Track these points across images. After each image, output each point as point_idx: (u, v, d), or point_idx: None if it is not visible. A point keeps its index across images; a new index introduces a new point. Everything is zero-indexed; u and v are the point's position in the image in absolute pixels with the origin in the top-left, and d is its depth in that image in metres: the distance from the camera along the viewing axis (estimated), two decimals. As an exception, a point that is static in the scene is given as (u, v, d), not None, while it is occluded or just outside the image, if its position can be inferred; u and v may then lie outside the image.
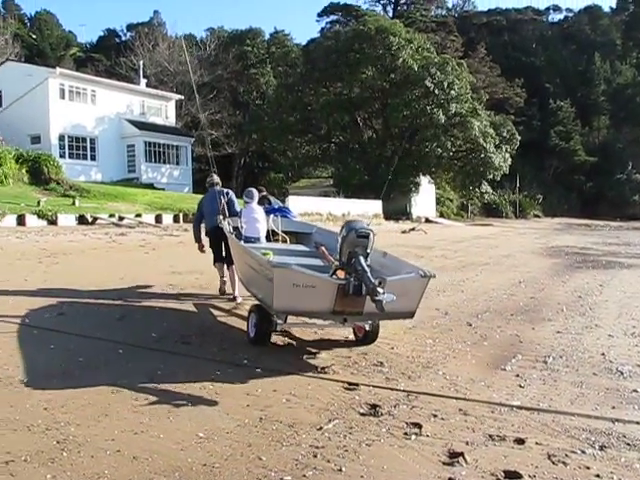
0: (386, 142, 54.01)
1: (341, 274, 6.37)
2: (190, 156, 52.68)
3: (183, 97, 55.45)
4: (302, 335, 7.45)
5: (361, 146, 54.97)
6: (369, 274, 6.00)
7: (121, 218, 26.44)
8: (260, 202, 10.30)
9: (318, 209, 37.31)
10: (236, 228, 9.47)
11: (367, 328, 7.09)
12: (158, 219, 28.15)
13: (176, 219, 28.64)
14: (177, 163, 51.02)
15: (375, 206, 44.90)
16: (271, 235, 9.96)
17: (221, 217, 9.41)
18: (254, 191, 9.89)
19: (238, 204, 10.22)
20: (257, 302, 7.25)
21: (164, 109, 53.10)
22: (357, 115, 54.20)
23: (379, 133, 54.92)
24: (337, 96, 52.45)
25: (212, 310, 8.79)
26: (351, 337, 7.38)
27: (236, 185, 55.19)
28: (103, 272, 12.22)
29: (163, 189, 44.17)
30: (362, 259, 6.20)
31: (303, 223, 11.44)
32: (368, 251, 6.42)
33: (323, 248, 8.65)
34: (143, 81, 53.62)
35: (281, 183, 65.56)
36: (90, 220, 25.02)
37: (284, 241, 9.93)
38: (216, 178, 10.39)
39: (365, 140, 55.21)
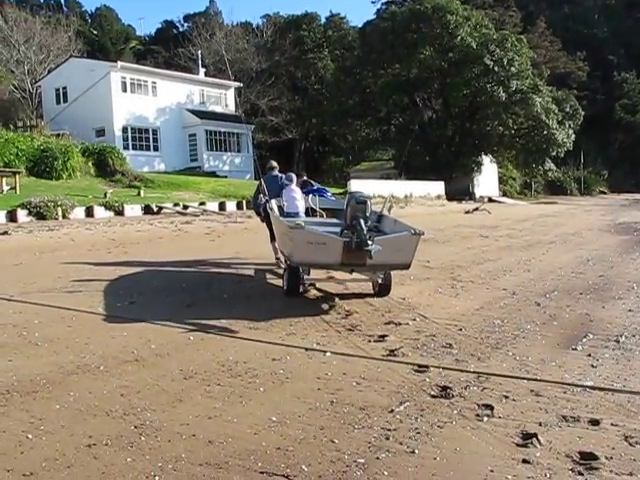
0: (446, 122, 53.32)
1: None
2: (251, 143, 52.80)
3: (242, 84, 55.60)
4: (333, 289, 9.21)
5: (421, 127, 53.93)
6: (364, 232, 7.59)
7: (185, 207, 26.80)
8: (303, 185, 12.27)
9: (380, 191, 36.87)
10: (280, 207, 11.01)
11: (379, 281, 8.64)
12: (222, 207, 28.40)
13: (239, 206, 28.82)
14: (238, 150, 51.28)
15: (438, 187, 44.75)
16: (310, 212, 11.44)
17: (261, 196, 11.22)
18: (293, 175, 11.67)
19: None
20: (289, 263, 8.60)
21: (223, 97, 53.55)
22: (416, 96, 53.56)
23: (439, 113, 54.23)
24: (395, 77, 51.69)
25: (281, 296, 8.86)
26: (370, 290, 8.93)
27: (297, 170, 54.86)
28: (172, 261, 12.46)
29: (225, 177, 44.48)
30: (362, 221, 7.78)
31: (337, 201, 12.42)
32: (367, 214, 8.07)
33: None
34: (202, 70, 54.07)
35: (342, 167, 66.35)
36: (155, 210, 25.48)
37: (321, 216, 11.39)
38: (274, 163, 12.33)
39: (425, 121, 54.37)
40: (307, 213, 11.29)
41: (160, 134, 46.53)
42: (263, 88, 57.38)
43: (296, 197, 11.17)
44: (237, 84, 54.57)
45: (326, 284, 9.42)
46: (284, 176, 11.73)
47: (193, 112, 48.62)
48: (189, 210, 26.35)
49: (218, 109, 52.12)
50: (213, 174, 44.94)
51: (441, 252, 14.23)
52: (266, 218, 11.33)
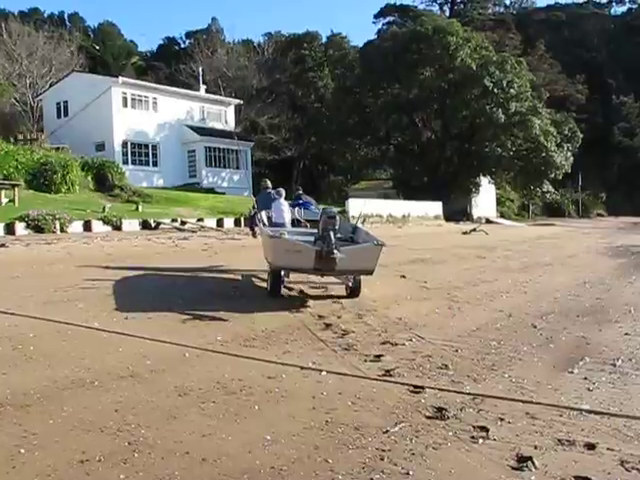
0: (445, 143, 53.64)
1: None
2: (250, 160, 53.29)
3: (242, 102, 55.88)
4: (313, 293, 10.57)
5: (420, 147, 54.62)
6: (333, 242, 9.05)
7: (183, 223, 26.77)
8: (297, 197, 13.74)
9: (378, 211, 37.27)
10: (270, 217, 12.39)
11: (350, 284, 10.15)
12: (220, 223, 28.34)
13: (237, 223, 28.78)
14: (237, 167, 51.48)
15: (435, 207, 44.95)
16: (296, 222, 12.63)
17: (251, 208, 13.26)
18: (282, 190, 12.84)
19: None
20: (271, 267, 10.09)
21: (223, 114, 53.86)
22: (415, 116, 54.19)
23: (438, 134, 54.42)
24: (395, 97, 52.21)
25: (279, 312, 8.87)
26: (342, 293, 10.36)
27: (296, 188, 54.66)
28: (169, 275, 12.45)
29: (224, 193, 44.65)
30: (331, 232, 9.22)
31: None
32: (336, 227, 9.46)
33: None
34: (202, 87, 54.67)
35: (340, 185, 66.62)
36: (153, 225, 25.43)
37: (305, 226, 12.31)
38: (268, 183, 13.97)
39: (424, 141, 55.08)
40: (293, 224, 12.52)
41: (160, 150, 46.88)
42: (263, 106, 58.02)
43: (283, 209, 12.44)
44: (237, 101, 55.17)
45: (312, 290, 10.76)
46: (274, 192, 12.96)
47: (193, 128, 48.89)
48: (187, 226, 26.31)
49: (218, 126, 52.38)
50: (212, 190, 45.22)
51: (438, 272, 14.22)
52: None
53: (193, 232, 24.67)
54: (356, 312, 8.96)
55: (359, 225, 12.63)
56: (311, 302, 9.58)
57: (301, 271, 10.17)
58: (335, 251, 8.87)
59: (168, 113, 47.84)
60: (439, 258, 17.76)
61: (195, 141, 48.30)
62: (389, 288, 11.26)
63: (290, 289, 10.70)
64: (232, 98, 55.35)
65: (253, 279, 12.07)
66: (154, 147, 46.64)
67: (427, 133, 55.41)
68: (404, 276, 13.07)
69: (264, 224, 11.97)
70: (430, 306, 9.71)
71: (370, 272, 9.44)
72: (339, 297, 10.11)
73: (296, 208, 13.09)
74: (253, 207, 13.29)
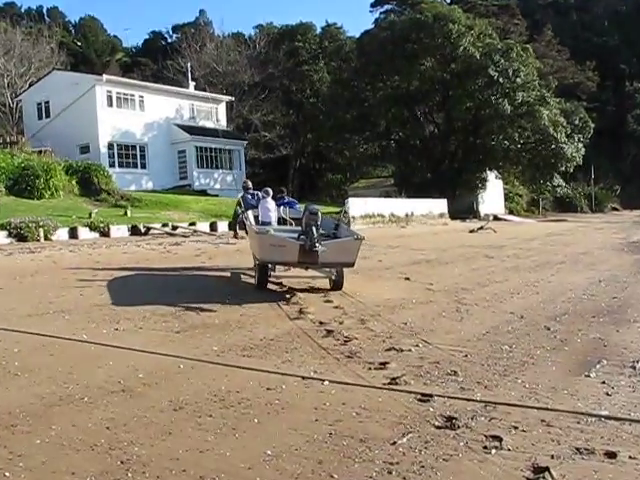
0: (449, 137, 53.56)
1: None
2: (243, 160, 53.16)
3: (234, 98, 55.83)
4: (296, 285, 11.84)
5: (422, 142, 54.60)
6: (315, 236, 10.31)
7: (175, 227, 26.90)
8: (281, 198, 14.53)
9: (380, 210, 37.19)
10: (256, 216, 13.41)
11: (333, 278, 11.32)
12: (213, 227, 28.49)
13: (232, 226, 28.81)
14: (230, 168, 51.44)
15: (440, 205, 44.90)
16: (282, 221, 13.66)
17: (238, 208, 14.26)
18: (269, 190, 13.97)
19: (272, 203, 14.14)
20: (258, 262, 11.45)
21: (214, 112, 53.60)
22: (417, 109, 54.06)
23: (441, 127, 54.41)
24: (395, 90, 51.97)
25: (276, 318, 8.87)
26: (324, 287, 11.57)
27: (292, 188, 54.81)
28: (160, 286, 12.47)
29: (216, 195, 45.03)
30: (314, 228, 10.45)
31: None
32: (318, 223, 10.68)
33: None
34: (192, 84, 54.68)
35: (339, 184, 66.88)
36: (143, 230, 25.58)
37: (290, 224, 13.35)
38: (249, 183, 15.19)
39: (426, 135, 54.89)
40: (280, 222, 13.61)
41: (148, 151, 46.91)
42: (256, 102, 58.43)
43: (270, 208, 13.59)
44: (228, 98, 54.97)
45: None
46: (260, 192, 14.18)
47: (182, 127, 48.82)
48: (178, 231, 26.42)
49: (209, 124, 52.26)
50: (204, 193, 45.40)
51: (444, 274, 14.23)
52: (244, 229, 13.75)
53: (185, 237, 24.79)
54: (359, 317, 8.95)
55: (342, 222, 14.14)
56: (311, 308, 9.53)
57: (286, 264, 11.45)
58: (317, 245, 10.20)
59: (156, 112, 47.64)
60: (445, 258, 17.80)
61: (185, 141, 48.10)
62: (393, 291, 11.29)
63: (277, 284, 11.90)
64: (223, 95, 55.16)
65: (242, 276, 13.48)
66: (142, 148, 46.54)
67: (429, 127, 55.33)
68: (408, 278, 13.07)
69: (251, 223, 12.91)
70: (437, 309, 9.70)
71: (351, 264, 10.75)
72: (322, 290, 11.33)
73: (281, 207, 14.09)
74: (239, 207, 14.37)
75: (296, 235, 10.89)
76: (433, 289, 11.69)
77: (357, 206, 34.74)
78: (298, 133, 64.28)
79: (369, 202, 37.41)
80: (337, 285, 11.24)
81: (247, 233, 13.59)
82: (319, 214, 10.91)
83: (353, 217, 32.55)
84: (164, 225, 27.11)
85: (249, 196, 14.51)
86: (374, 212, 36.49)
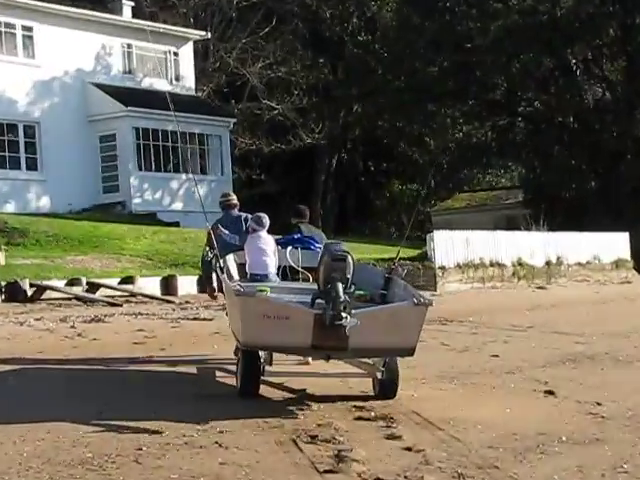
0: (635, 107, 33.21)
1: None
2: (229, 154, 33.18)
3: (209, 35, 35.48)
4: (311, 388, 7.57)
5: (580, 120, 34.39)
6: (341, 300, 6.45)
7: (93, 286, 18.04)
8: (295, 231, 9.93)
9: (494, 254, 24.13)
10: (242, 264, 9.18)
11: (379, 376, 7.23)
12: (168, 286, 19.03)
13: (204, 280, 17.37)
14: (203, 169, 32.54)
15: (615, 244, 28.38)
16: (289, 272, 9.42)
17: (208, 249, 9.40)
18: (264, 217, 9.43)
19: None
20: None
21: (172, 61, 32.95)
22: (569, 54, 33.54)
23: (618, 90, 34.30)
24: (526, 17, 32.30)
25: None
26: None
27: (322, 209, 37.92)
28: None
29: (176, 223, 28.38)
30: (339, 285, 6.63)
31: None
32: (348, 275, 6.88)
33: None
34: (128, 4, 33.61)
35: (416, 201, 38.50)
36: (30, 293, 16.72)
37: (305, 279, 9.22)
38: (233, 198, 10.48)
39: (588, 106, 34.24)
40: (285, 274, 9.44)
41: (40, 135, 29.27)
42: (253, 42, 36.47)
43: (265, 250, 9.23)
44: (199, 33, 34.97)
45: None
46: (250, 217, 9.73)
47: (109, 91, 30.38)
48: (99, 294, 17.78)
49: (161, 85, 30.23)
50: (151, 217, 29.15)
51: (625, 384, 8.86)
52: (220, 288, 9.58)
53: (114, 306, 16.84)
54: (454, 471, 5.00)
55: (397, 275, 8.71)
56: (360, 450, 5.49)
57: (291, 351, 7.62)
58: (345, 315, 6.48)
59: (57, 60, 29.16)
60: (626, 352, 11.44)
61: (115, 116, 29.64)
62: (521, 417, 6.96)
63: (281, 387, 7.88)
64: (190, 29, 34.80)
65: (217, 372, 9.28)
66: (28, 131, 29.19)
67: (594, 90, 35.16)
68: (551, 392, 8.04)
69: (232, 275, 8.81)
70: (612, 458, 5.41)
71: (408, 351, 7.02)
72: (360, 398, 7.33)
73: (289, 248, 9.63)
74: (209, 245, 9.47)
75: (309, 298, 7.26)
76: (603, 415, 7.06)
77: (448, 245, 22.49)
78: (335, 103, 39.72)
79: (473, 238, 23.98)
80: (387, 390, 7.37)
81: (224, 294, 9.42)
82: (349, 260, 7.06)
83: (442, 268, 21.48)
84: (71, 283, 17.90)
85: (230, 224, 9.86)
86: (483, 258, 23.51)
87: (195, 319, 14.80)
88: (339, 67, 40.53)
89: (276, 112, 36.62)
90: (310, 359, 8.48)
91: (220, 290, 9.59)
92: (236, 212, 10.21)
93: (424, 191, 39.36)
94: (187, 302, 17.44)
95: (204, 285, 10.81)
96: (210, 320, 14.16)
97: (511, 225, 30.20)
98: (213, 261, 9.03)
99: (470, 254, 22.94)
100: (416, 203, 35.79)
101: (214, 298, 10.37)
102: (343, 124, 40.88)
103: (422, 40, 33.28)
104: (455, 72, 32.82)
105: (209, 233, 9.30)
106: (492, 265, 23.49)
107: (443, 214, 36.85)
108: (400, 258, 9.00)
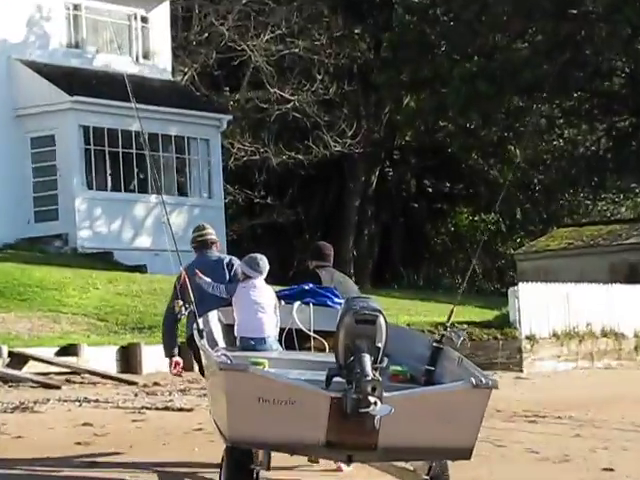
0: None
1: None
2: (220, 167, 27.06)
3: None
4: None
5: None
6: (368, 377, 4.54)
7: (18, 358, 13.87)
8: (310, 279, 7.70)
9: (605, 319, 19.55)
10: (228, 325, 7.11)
11: None
12: (129, 359, 15.08)
13: (165, 346, 11.09)
14: (182, 188, 26.26)
15: None
16: (296, 337, 7.22)
17: (180, 303, 6.71)
18: (262, 259, 7.13)
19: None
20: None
21: (139, 31, 26.33)
22: None
23: None
24: None
25: None
26: None
27: (355, 248, 31.17)
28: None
29: (142, 267, 22.81)
30: (366, 357, 4.69)
31: None
32: (378, 345, 4.94)
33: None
34: None
35: (495, 239, 33.00)
36: None
37: (320, 348, 6.93)
38: (211, 233, 8.10)
39: None
40: (290, 340, 7.08)
41: None
42: (257, 3, 29.30)
43: (262, 305, 6.84)
44: None
45: None
46: (236, 261, 7.64)
47: (46, 72, 24.31)
48: (27, 370, 13.75)
49: (122, 64, 24.84)
50: (105, 259, 23.59)
51: None
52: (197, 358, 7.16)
53: (49, 388, 13.18)
54: None
55: (449, 345, 6.30)
56: None
57: (298, 450, 5.09)
58: (374, 400, 4.30)
59: None
60: None
61: (54, 109, 23.97)
62: None
63: None
64: None
65: None
66: None
67: None
68: None
69: (214, 340, 6.66)
70: None
71: (463, 452, 4.80)
72: None
73: (296, 304, 7.40)
74: (178, 300, 6.89)
75: (323, 375, 4.99)
76: None
77: (541, 304, 18.03)
78: (376, 94, 32.51)
79: (578, 295, 19.24)
80: None
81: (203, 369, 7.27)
82: (381, 322, 4.74)
83: (531, 338, 17.32)
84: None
85: (206, 269, 7.55)
86: (591, 324, 18.93)
87: (167, 409, 11.68)
88: (383, 41, 31.91)
89: (290, 106, 28.73)
90: (342, 464, 6.65)
91: (198, 363, 7.40)
92: (215, 253, 8.16)
93: (505, 224, 31.57)
94: (155, 384, 13.79)
95: (167, 351, 8.05)
96: (189, 411, 11.25)
97: (634, 276, 23.38)
98: (188, 320, 7.10)
99: (573, 318, 18.36)
100: (492, 240, 28.28)
101: (178, 375, 8.63)
102: (387, 125, 32.76)
103: (506, 2, 25.69)
104: (554, 50, 25.25)
105: (182, 279, 6.82)
106: (605, 335, 18.86)
107: (533, 258, 28.01)
108: (450, 323, 6.44)
